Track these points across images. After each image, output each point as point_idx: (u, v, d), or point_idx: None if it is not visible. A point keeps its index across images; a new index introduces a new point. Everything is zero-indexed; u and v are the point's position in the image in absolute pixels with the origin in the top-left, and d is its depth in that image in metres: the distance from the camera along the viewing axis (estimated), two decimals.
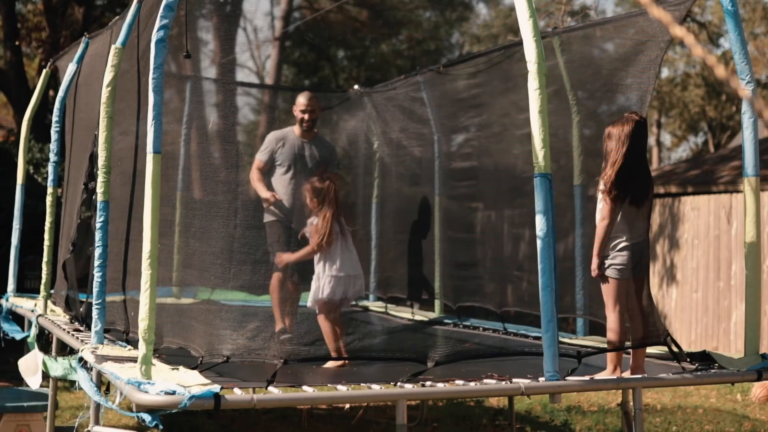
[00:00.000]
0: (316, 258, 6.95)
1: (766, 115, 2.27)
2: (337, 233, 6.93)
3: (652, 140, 40.03)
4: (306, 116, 8.27)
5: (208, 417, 9.33)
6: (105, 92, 6.23)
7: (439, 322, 9.06)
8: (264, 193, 8.16)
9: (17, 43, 18.68)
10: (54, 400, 7.82)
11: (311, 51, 30.61)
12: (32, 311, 8.29)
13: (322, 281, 6.81)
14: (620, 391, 6.78)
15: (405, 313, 9.73)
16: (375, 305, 10.35)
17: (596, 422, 9.84)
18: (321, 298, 6.79)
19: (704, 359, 6.11)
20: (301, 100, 8.35)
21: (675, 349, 5.94)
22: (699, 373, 5.85)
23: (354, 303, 7.40)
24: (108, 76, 6.25)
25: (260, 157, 8.35)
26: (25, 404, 7.76)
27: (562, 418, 10.01)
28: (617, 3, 36.90)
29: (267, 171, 8.34)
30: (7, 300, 9.35)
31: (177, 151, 8.66)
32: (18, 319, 9.19)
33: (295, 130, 8.36)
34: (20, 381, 7.89)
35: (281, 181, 8.27)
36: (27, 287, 11.48)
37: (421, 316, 9.56)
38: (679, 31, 2.30)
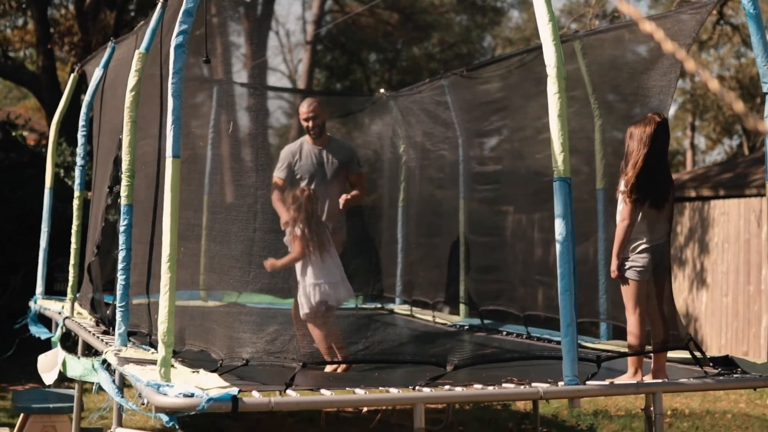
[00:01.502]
0: (297, 269, 7.02)
1: None
2: (316, 243, 6.96)
3: (686, 143, 39.81)
4: (310, 123, 8.09)
5: (234, 419, 9.37)
6: (128, 97, 6.28)
7: (462, 325, 9.06)
8: (284, 217, 8.08)
9: (49, 46, 18.84)
10: (80, 402, 7.89)
11: (343, 54, 30.69)
12: (59, 313, 8.36)
13: (304, 291, 6.86)
14: (644, 395, 6.73)
15: (430, 317, 9.73)
16: (400, 308, 10.36)
17: (622, 427, 9.80)
18: (305, 311, 6.87)
19: (727, 364, 6.09)
20: (302, 108, 8.20)
21: (697, 353, 5.91)
22: (721, 377, 5.82)
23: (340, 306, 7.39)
24: (131, 80, 6.30)
25: (278, 174, 8.19)
26: (51, 405, 7.83)
27: (588, 422, 9.97)
28: (650, 5, 36.68)
29: (289, 187, 8.23)
30: (35, 302, 9.44)
31: (202, 154, 8.66)
32: (46, 321, 9.27)
33: (308, 139, 8.20)
34: None
35: None
36: (57, 290, 11.57)
37: (444, 319, 9.56)
38: (692, 65, 2.31)
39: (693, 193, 16.38)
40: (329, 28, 29.09)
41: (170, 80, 5.09)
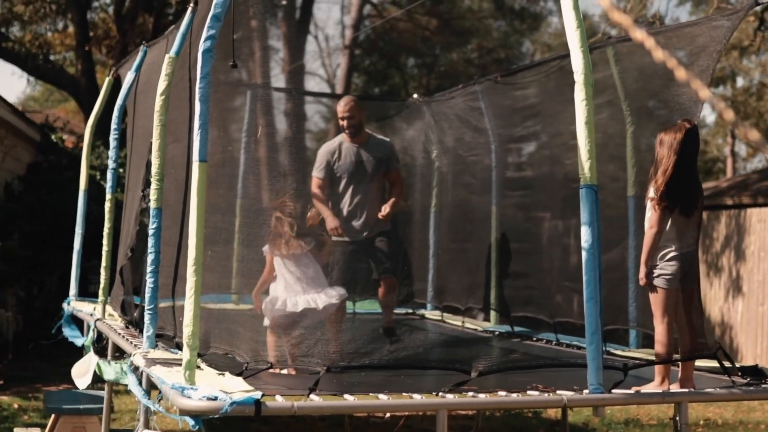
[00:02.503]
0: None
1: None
2: (290, 255, 6.86)
3: (726, 150, 39.50)
4: (345, 123, 8.07)
5: (263, 423, 9.41)
6: (158, 101, 6.32)
7: (493, 331, 9.04)
8: (330, 222, 8.00)
9: (86, 48, 19.00)
10: (109, 403, 7.95)
11: (381, 59, 30.74)
12: (91, 315, 8.43)
13: (272, 299, 6.80)
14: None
15: (460, 322, 9.72)
16: (431, 314, 10.35)
17: None
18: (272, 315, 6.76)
19: (756, 374, 6.02)
20: (338, 107, 8.20)
21: (725, 362, 5.86)
22: (749, 388, 5.77)
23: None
24: (161, 84, 6.33)
25: (317, 174, 8.17)
26: (81, 406, 7.89)
27: (618, 431, 9.92)
28: (691, 12, 36.45)
29: (328, 186, 8.26)
30: (68, 304, 9.52)
31: (233, 158, 8.64)
32: (79, 323, 9.35)
33: (346, 137, 8.19)
34: None
35: (342, 192, 8.17)
36: (91, 291, 11.67)
37: (475, 325, 9.54)
38: (683, 74, 2.30)
39: (730, 201, 16.24)
40: (367, 33, 29.15)
41: (198, 84, 5.11)
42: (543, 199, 9.11)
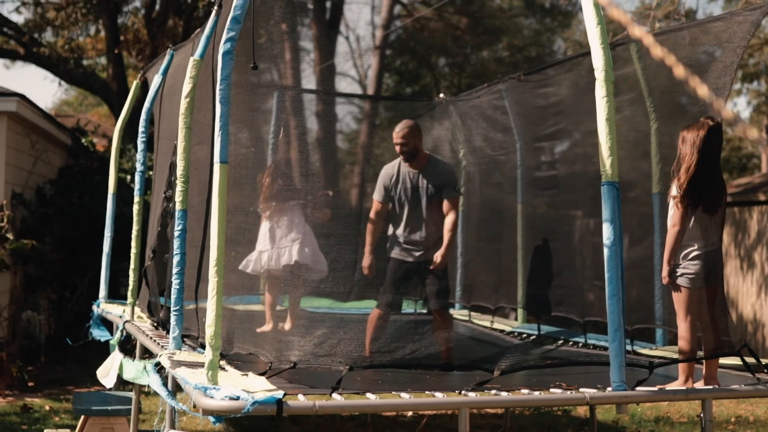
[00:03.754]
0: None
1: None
2: (273, 215, 7.73)
3: (761, 147, 39.14)
4: (399, 149, 7.84)
5: (293, 423, 9.44)
6: (183, 103, 6.35)
7: (521, 332, 9.01)
8: (365, 260, 7.95)
9: (116, 51, 19.13)
10: (137, 404, 8.00)
11: (412, 59, 30.72)
12: (120, 317, 8.49)
13: (255, 255, 7.66)
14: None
15: (487, 322, 9.71)
16: (459, 314, 10.34)
17: None
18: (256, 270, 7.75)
19: None
20: (394, 132, 7.93)
21: (750, 359, 5.82)
22: None
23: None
24: (186, 87, 6.37)
25: (376, 197, 8.02)
26: (109, 408, 7.94)
27: (648, 429, 9.87)
28: (724, 8, 36.16)
29: (387, 210, 8.02)
30: (98, 306, 9.59)
31: (257, 159, 8.63)
32: (109, 325, 9.42)
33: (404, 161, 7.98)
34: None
35: (399, 215, 7.95)
36: (122, 293, 11.76)
37: (504, 325, 9.53)
38: (681, 71, 2.31)
39: (763, 197, 16.10)
40: (398, 33, 29.14)
41: (218, 86, 5.14)
42: (569, 198, 9.08)
